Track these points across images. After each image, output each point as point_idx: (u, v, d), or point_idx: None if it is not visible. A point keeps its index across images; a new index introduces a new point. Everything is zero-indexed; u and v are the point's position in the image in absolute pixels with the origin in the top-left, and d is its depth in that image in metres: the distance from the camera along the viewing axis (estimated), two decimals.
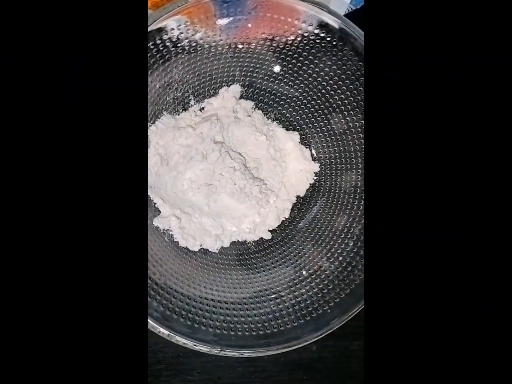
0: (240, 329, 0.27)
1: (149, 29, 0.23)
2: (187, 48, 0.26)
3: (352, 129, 0.31)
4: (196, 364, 0.31)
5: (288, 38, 0.28)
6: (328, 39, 0.28)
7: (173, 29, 0.24)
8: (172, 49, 0.26)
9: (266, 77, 0.32)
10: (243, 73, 0.31)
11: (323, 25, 0.27)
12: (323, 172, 0.34)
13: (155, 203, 0.31)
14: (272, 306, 0.29)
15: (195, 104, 0.31)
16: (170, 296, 0.26)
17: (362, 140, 0.31)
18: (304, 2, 0.27)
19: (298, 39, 0.28)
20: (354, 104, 0.30)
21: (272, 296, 0.29)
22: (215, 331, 0.26)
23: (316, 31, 0.28)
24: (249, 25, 0.27)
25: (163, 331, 0.24)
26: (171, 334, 0.24)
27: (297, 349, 0.26)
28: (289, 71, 0.31)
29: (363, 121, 0.30)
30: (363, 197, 0.31)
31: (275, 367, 0.33)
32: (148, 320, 0.23)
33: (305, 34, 0.28)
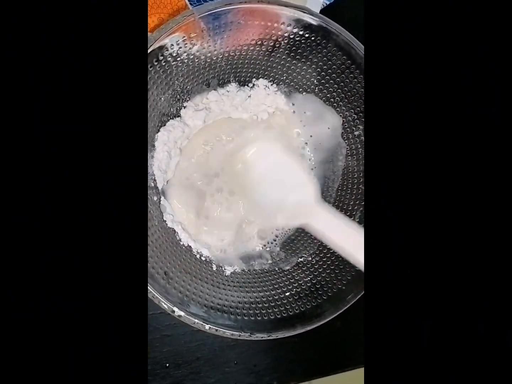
0: (265, 314, 0.29)
1: (152, 48, 0.25)
2: (185, 61, 0.28)
3: (344, 121, 0.33)
4: (232, 356, 0.33)
5: (276, 42, 0.31)
6: (312, 38, 0.30)
7: (172, 45, 0.27)
8: (173, 63, 0.28)
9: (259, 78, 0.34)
10: (236, 78, 0.33)
11: (306, 26, 0.30)
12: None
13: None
14: (291, 290, 0.31)
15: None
16: (197, 291, 0.28)
17: (351, 134, 0.33)
18: (286, 7, 0.29)
19: (285, 41, 0.30)
20: (343, 95, 0.32)
21: (291, 281, 0.31)
22: (243, 318, 0.28)
23: (301, 32, 0.30)
24: (238, 34, 0.30)
25: (198, 322, 0.26)
26: (204, 324, 0.26)
27: (323, 328, 0.29)
28: (279, 72, 0.33)
29: (354, 115, 0.33)
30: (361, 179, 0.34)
31: (304, 348, 0.35)
32: (182, 313, 0.26)
33: (291, 36, 0.30)
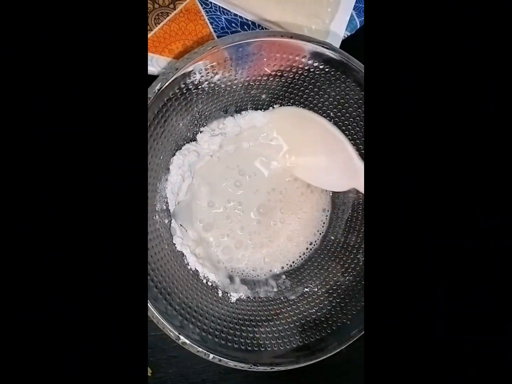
0: (269, 346, 0.29)
1: (175, 76, 0.25)
2: (206, 88, 0.29)
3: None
4: (238, 380, 0.33)
5: (296, 73, 0.31)
6: (332, 72, 0.31)
7: (195, 73, 0.27)
8: (194, 91, 0.28)
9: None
10: (254, 105, 0.34)
11: (327, 61, 0.30)
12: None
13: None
14: (295, 321, 0.31)
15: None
16: (203, 318, 0.28)
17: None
18: (308, 41, 0.29)
19: (305, 74, 0.31)
20: (358, 129, 0.33)
21: (295, 311, 0.31)
22: (246, 348, 0.28)
23: (321, 66, 0.30)
24: (259, 65, 0.30)
25: (201, 350, 0.26)
26: (208, 353, 0.26)
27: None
28: (296, 103, 0.33)
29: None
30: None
31: (310, 373, 0.34)
32: (187, 341, 0.25)
33: (311, 69, 0.31)
